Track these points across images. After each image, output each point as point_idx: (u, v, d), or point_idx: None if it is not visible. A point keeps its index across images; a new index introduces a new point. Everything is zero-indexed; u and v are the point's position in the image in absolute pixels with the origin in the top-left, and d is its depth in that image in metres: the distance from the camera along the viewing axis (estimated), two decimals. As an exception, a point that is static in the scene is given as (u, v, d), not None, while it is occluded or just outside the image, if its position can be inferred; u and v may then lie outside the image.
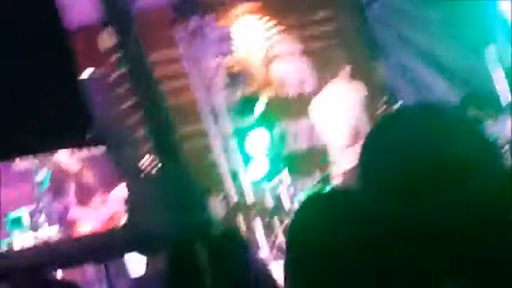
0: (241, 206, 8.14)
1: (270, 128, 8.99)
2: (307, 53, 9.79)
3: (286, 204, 8.65)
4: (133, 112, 6.73)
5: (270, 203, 8.83)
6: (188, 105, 8.94)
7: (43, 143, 4.67)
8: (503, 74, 8.61)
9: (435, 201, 1.38)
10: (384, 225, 1.44)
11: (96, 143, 5.35)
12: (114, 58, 9.26)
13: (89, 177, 7.70)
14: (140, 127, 6.09)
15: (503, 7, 8.83)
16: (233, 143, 8.92)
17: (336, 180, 7.84)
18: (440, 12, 8.96)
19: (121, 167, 7.30)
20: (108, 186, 7.62)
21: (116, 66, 9.12)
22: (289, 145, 9.31)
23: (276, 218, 8.62)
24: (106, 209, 7.53)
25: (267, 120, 8.98)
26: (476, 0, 8.69)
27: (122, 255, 6.69)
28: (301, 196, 8.30)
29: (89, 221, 7.47)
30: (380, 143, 1.50)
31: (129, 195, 6.15)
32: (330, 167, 8.15)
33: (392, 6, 9.43)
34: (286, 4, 9.83)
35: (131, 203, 5.49)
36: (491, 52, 8.77)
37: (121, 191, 7.41)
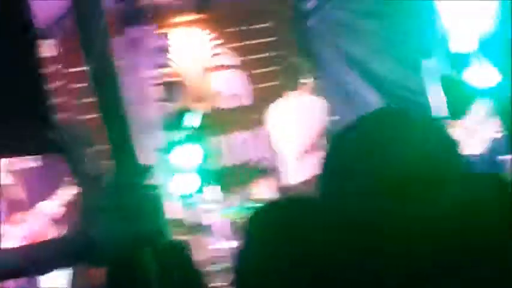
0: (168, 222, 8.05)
1: (202, 142, 8.93)
2: (245, 65, 9.79)
3: (214, 221, 8.56)
4: (92, 118, 6.62)
5: (198, 219, 8.74)
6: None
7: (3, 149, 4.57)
8: (439, 88, 8.61)
9: (398, 209, 1.38)
10: (342, 233, 1.43)
11: (56, 149, 5.25)
12: (54, 68, 9.20)
13: (19, 192, 7.58)
14: (98, 132, 5.97)
15: (442, 19, 8.85)
16: (164, 157, 8.82)
17: (265, 197, 7.81)
18: (377, 24, 8.96)
19: (75, 173, 7.21)
20: (39, 201, 7.50)
21: (57, 76, 9.06)
22: (220, 160, 9.27)
23: (202, 235, 8.53)
24: (32, 225, 7.41)
25: (199, 134, 8.92)
26: (414, 12, 8.69)
27: (66, 267, 6.58)
28: (230, 212, 8.26)
29: (15, 237, 7.34)
30: (341, 153, 1.50)
31: (81, 203, 6.09)
32: (259, 183, 8.14)
33: (330, 18, 9.40)
34: (225, 16, 9.81)
35: (82, 211, 5.42)
36: (428, 65, 8.78)
37: (49, 204, 7.33)
